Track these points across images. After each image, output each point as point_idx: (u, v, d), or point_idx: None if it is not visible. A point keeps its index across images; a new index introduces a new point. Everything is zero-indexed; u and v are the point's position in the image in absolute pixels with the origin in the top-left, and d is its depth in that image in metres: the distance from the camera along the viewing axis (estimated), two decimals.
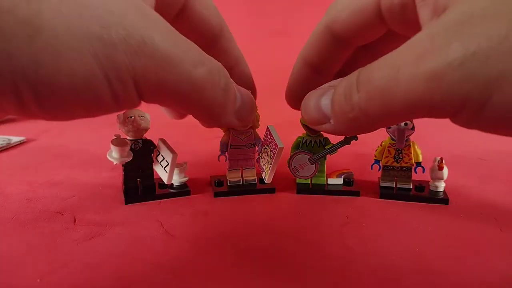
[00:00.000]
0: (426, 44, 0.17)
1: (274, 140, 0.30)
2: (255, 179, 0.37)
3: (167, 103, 0.20)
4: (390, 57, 0.19)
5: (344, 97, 0.20)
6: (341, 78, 0.22)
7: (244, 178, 0.36)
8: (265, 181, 0.32)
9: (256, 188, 0.36)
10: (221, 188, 0.36)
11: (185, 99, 0.20)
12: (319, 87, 0.24)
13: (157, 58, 0.17)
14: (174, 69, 0.18)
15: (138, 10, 0.18)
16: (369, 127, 0.20)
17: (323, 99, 0.22)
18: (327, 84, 0.24)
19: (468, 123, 0.17)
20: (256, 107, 0.30)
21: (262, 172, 0.32)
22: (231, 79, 0.23)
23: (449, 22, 0.17)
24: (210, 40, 0.29)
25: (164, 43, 0.18)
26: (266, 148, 0.31)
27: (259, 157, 0.33)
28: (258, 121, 0.33)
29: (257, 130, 0.35)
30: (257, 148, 0.35)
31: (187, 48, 0.19)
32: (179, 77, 0.19)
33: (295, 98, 0.31)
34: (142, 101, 0.19)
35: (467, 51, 0.16)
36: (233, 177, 0.36)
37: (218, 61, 0.31)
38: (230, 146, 0.34)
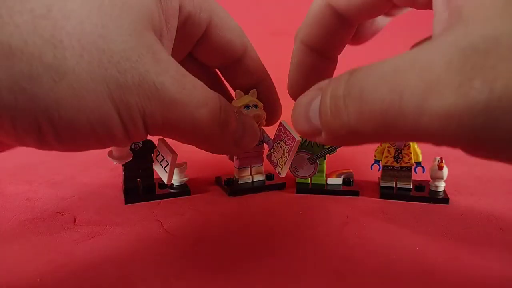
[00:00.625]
0: (438, 69, 0.13)
1: (290, 134, 0.30)
2: (263, 175, 0.37)
3: (169, 137, 0.22)
4: (388, 72, 0.15)
5: (331, 114, 0.18)
6: (328, 80, 0.19)
7: (253, 176, 0.37)
8: (280, 176, 0.33)
9: (265, 185, 0.36)
10: (233, 187, 0.36)
11: (185, 134, 0.21)
12: (306, 92, 0.20)
13: (165, 102, 0.19)
14: (179, 111, 0.20)
15: (153, 56, 0.19)
16: (362, 143, 0.19)
17: (311, 109, 0.19)
18: (315, 86, 0.20)
19: (479, 157, 0.15)
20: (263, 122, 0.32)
21: (276, 167, 0.33)
22: (234, 111, 0.24)
23: (468, 46, 0.13)
24: (234, 60, 0.29)
25: (173, 88, 0.19)
26: (279, 143, 0.32)
27: (269, 153, 0.34)
28: (264, 119, 0.33)
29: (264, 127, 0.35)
30: (265, 145, 0.35)
31: (193, 90, 0.20)
32: (182, 118, 0.20)
33: (299, 89, 0.27)
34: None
35: (493, 94, 0.12)
36: (243, 175, 0.36)
37: (242, 79, 0.31)
38: None
